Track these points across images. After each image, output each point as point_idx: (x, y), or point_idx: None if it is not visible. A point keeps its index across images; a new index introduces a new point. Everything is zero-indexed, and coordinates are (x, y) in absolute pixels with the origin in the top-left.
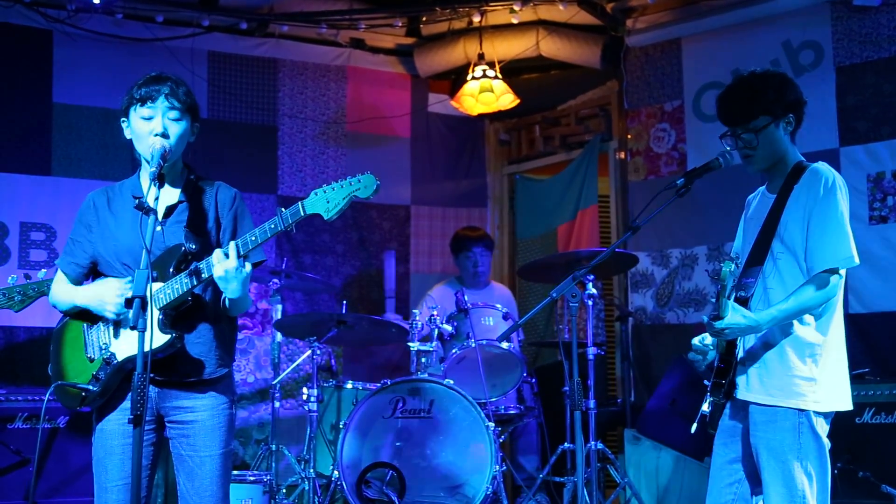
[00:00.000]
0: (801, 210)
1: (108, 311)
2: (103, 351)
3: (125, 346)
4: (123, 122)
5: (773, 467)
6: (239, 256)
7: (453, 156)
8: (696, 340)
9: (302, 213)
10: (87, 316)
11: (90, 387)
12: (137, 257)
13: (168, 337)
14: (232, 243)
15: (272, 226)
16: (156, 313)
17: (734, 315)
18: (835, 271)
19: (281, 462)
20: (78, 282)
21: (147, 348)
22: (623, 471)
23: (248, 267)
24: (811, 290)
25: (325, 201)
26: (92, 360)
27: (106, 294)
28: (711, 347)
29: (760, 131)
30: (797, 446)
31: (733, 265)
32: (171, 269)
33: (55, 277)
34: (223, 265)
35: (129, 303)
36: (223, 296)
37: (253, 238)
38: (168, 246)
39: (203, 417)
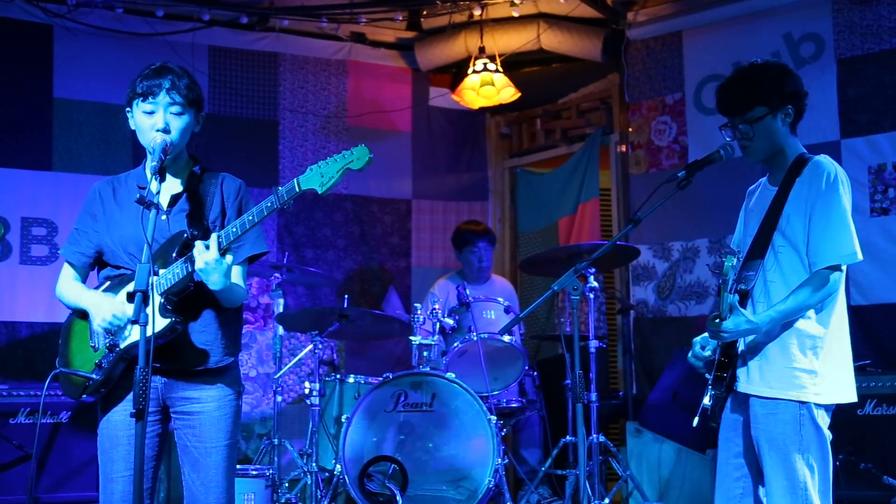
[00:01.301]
0: (804, 203)
1: (96, 323)
2: (107, 339)
3: (127, 336)
4: (127, 111)
5: (775, 460)
6: (220, 249)
7: (454, 149)
8: (697, 346)
9: (297, 189)
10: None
11: (93, 375)
12: (142, 246)
13: (168, 321)
14: (213, 235)
15: (269, 204)
16: (157, 298)
17: (735, 318)
18: (837, 267)
19: (283, 456)
20: (84, 272)
21: (148, 345)
22: (625, 463)
23: (229, 259)
24: (810, 289)
25: (320, 175)
26: (97, 350)
27: (103, 308)
28: (711, 356)
29: (756, 122)
30: (798, 438)
31: (735, 259)
32: (173, 256)
33: (61, 271)
34: (203, 257)
35: (130, 297)
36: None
37: (250, 217)
38: (172, 234)
39: (209, 409)
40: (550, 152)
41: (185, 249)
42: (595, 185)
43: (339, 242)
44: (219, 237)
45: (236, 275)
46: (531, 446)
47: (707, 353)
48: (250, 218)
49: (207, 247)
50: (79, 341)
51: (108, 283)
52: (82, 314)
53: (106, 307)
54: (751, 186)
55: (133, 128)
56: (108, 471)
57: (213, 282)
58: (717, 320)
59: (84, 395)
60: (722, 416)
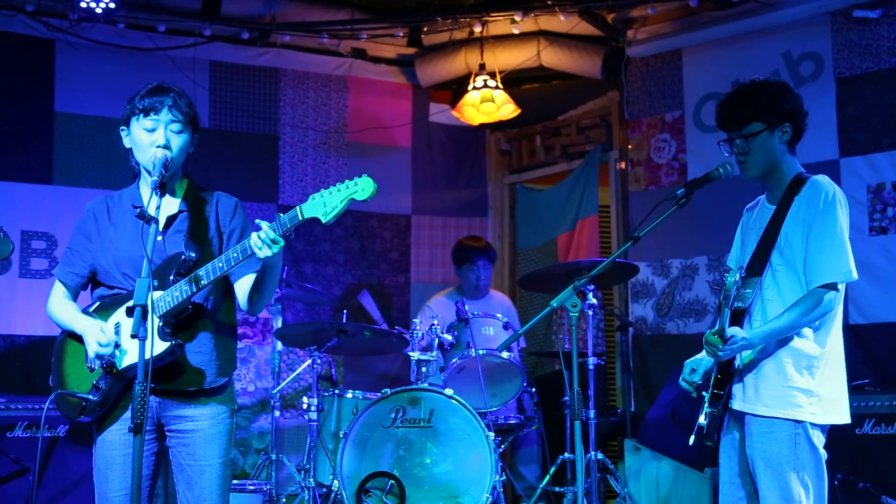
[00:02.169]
0: (801, 222)
1: (90, 350)
2: (103, 361)
3: (125, 354)
4: (123, 130)
5: (770, 478)
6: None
7: (454, 165)
8: (687, 371)
9: (300, 218)
10: (95, 313)
11: (90, 396)
12: (137, 266)
13: (168, 344)
14: (265, 225)
15: None
16: (156, 321)
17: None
18: (833, 286)
19: (281, 471)
20: (76, 292)
21: (147, 358)
22: (623, 481)
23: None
24: (804, 307)
25: (323, 205)
26: (92, 370)
27: (90, 340)
28: (700, 381)
29: (751, 138)
30: (794, 457)
31: (738, 275)
32: (170, 278)
33: (53, 289)
34: (264, 236)
35: (129, 311)
36: (244, 294)
37: (236, 254)
38: (168, 255)
39: (203, 427)
40: (550, 169)
41: (183, 271)
42: (594, 202)
43: (338, 258)
44: (279, 219)
45: (245, 286)
46: (529, 463)
47: (696, 377)
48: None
49: (268, 233)
50: (73, 361)
51: (98, 303)
52: (75, 334)
53: (91, 339)
54: (748, 204)
55: (128, 145)
56: (103, 490)
57: (265, 254)
58: (716, 336)
59: (82, 416)
60: (720, 435)
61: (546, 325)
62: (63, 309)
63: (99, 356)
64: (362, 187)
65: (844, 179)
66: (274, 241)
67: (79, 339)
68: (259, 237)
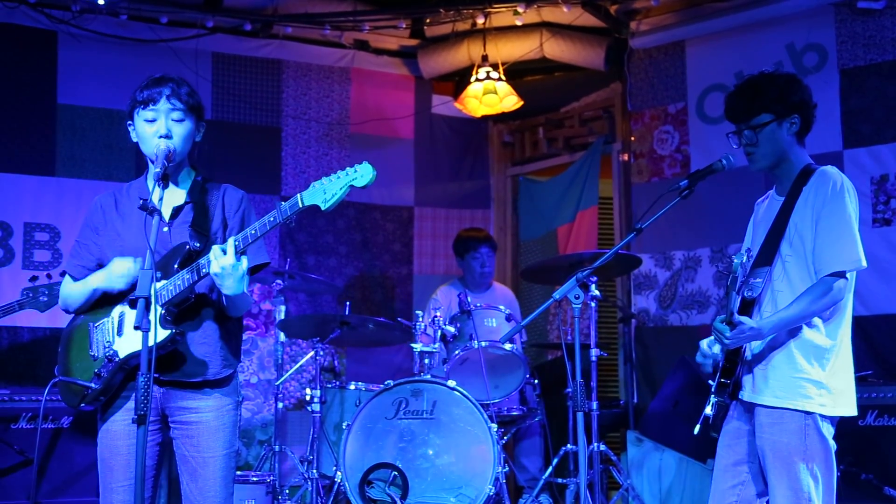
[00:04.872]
0: (810, 212)
1: (118, 281)
2: (106, 349)
3: (127, 343)
4: (129, 125)
5: (779, 469)
6: (237, 252)
7: (457, 157)
8: (704, 344)
9: (300, 205)
10: (102, 303)
11: (91, 384)
12: (143, 257)
13: (168, 332)
14: (230, 239)
15: (271, 219)
16: (158, 310)
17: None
18: (841, 275)
19: (284, 463)
20: None
21: (150, 345)
22: (626, 472)
23: (245, 263)
24: (813, 296)
25: (323, 192)
26: (96, 359)
27: (113, 267)
28: (719, 353)
29: (760, 129)
30: (803, 448)
31: (745, 257)
32: (175, 267)
33: (63, 282)
34: (219, 262)
35: (132, 303)
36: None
37: (252, 232)
38: (173, 245)
39: (207, 418)
40: (552, 161)
41: (187, 261)
42: (594, 194)
43: (341, 249)
44: (235, 241)
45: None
46: (532, 454)
47: (717, 348)
48: (252, 231)
49: (224, 251)
50: (78, 350)
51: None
52: (91, 308)
53: (117, 267)
54: (759, 199)
55: (135, 139)
56: (107, 480)
57: (229, 287)
58: (724, 323)
59: (83, 404)
60: (723, 425)
61: (543, 316)
62: (75, 285)
63: (130, 288)
64: (361, 174)
65: (848, 171)
66: (225, 259)
67: (84, 327)
68: (218, 249)
